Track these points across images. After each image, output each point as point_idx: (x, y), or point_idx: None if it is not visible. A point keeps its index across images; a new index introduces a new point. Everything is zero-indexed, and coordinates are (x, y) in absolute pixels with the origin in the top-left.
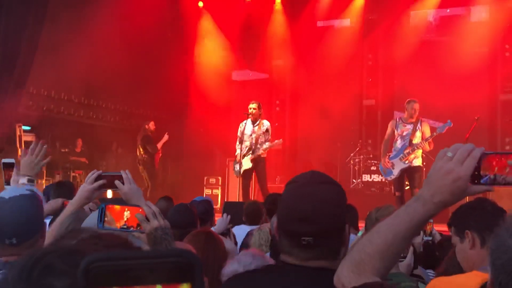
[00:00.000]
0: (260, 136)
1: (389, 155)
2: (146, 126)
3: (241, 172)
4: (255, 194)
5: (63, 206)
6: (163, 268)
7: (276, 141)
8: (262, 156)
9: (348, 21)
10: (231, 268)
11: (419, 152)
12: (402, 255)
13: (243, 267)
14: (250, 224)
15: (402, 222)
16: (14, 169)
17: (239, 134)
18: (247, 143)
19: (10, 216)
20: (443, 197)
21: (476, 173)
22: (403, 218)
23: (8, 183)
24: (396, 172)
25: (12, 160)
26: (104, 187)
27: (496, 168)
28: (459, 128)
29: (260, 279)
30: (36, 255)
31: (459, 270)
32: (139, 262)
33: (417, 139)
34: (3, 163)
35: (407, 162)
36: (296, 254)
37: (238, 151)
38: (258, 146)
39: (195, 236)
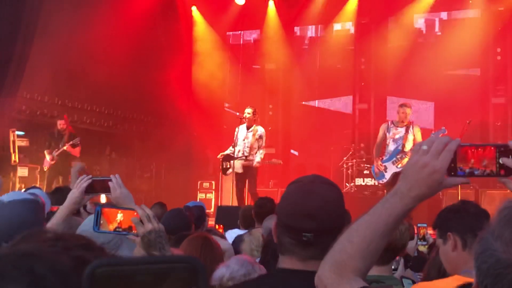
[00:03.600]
0: (254, 143)
1: (382, 158)
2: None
3: (227, 173)
4: (248, 198)
5: (50, 212)
6: (168, 273)
7: (273, 160)
8: (254, 165)
9: (340, 25)
10: (219, 273)
11: None
12: (394, 267)
13: (229, 273)
14: (245, 228)
15: (380, 218)
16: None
17: (234, 138)
18: (239, 147)
19: (7, 220)
20: (420, 191)
21: (453, 165)
22: (381, 214)
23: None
24: (388, 175)
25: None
26: (95, 192)
27: (472, 160)
28: (450, 132)
29: (264, 286)
30: None
31: (439, 272)
32: (144, 267)
33: (409, 143)
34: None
35: (400, 166)
36: (298, 252)
37: (227, 151)
38: (252, 153)
39: (192, 240)
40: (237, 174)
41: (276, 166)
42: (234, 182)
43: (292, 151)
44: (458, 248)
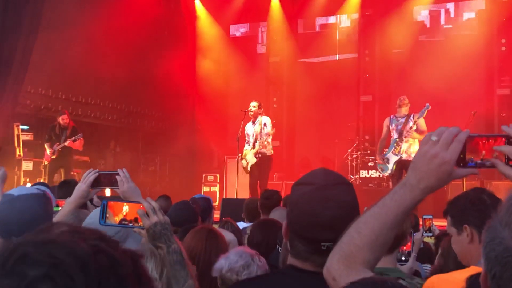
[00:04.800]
0: (260, 131)
1: (385, 151)
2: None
3: (249, 168)
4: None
5: (56, 206)
6: None
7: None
8: (268, 154)
9: (345, 17)
10: (219, 264)
11: (416, 145)
12: (403, 259)
13: (228, 264)
14: (250, 221)
15: (389, 210)
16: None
17: (239, 132)
18: (250, 143)
19: (18, 214)
20: (429, 182)
21: (462, 156)
22: (390, 206)
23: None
24: (391, 166)
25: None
26: (101, 186)
27: (482, 151)
28: (456, 123)
29: (275, 285)
30: (13, 245)
31: (455, 263)
32: None
33: (408, 131)
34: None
35: (398, 153)
36: (314, 260)
37: (244, 151)
38: (261, 141)
39: (197, 232)
40: (251, 166)
41: (281, 159)
42: (249, 175)
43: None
44: (475, 241)
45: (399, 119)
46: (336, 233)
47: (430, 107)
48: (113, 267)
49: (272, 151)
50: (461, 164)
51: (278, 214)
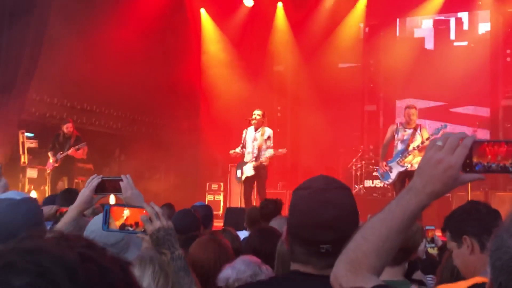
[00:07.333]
0: (263, 144)
1: (388, 160)
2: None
3: (243, 179)
4: (256, 199)
5: (56, 213)
6: None
7: (279, 150)
8: (264, 163)
9: (349, 27)
10: (224, 274)
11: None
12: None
13: (236, 273)
14: (251, 229)
15: (395, 216)
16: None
17: (242, 140)
18: (249, 150)
19: (6, 219)
20: (435, 187)
21: (468, 161)
22: (396, 211)
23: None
24: (393, 175)
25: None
26: (105, 192)
27: (488, 156)
28: None
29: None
30: None
31: (452, 274)
32: None
33: (416, 143)
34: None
35: (404, 165)
36: (314, 263)
37: (237, 150)
38: (261, 154)
39: (206, 245)
40: (246, 177)
41: (285, 168)
42: (243, 186)
43: (280, 150)
44: (475, 251)
45: (406, 129)
46: (335, 234)
47: (447, 127)
48: (101, 275)
49: (267, 160)
50: (468, 169)
51: (277, 223)
